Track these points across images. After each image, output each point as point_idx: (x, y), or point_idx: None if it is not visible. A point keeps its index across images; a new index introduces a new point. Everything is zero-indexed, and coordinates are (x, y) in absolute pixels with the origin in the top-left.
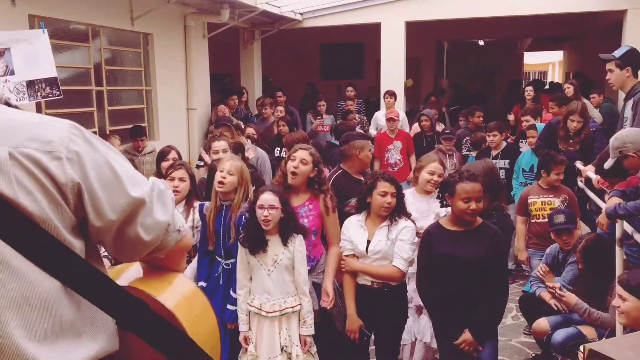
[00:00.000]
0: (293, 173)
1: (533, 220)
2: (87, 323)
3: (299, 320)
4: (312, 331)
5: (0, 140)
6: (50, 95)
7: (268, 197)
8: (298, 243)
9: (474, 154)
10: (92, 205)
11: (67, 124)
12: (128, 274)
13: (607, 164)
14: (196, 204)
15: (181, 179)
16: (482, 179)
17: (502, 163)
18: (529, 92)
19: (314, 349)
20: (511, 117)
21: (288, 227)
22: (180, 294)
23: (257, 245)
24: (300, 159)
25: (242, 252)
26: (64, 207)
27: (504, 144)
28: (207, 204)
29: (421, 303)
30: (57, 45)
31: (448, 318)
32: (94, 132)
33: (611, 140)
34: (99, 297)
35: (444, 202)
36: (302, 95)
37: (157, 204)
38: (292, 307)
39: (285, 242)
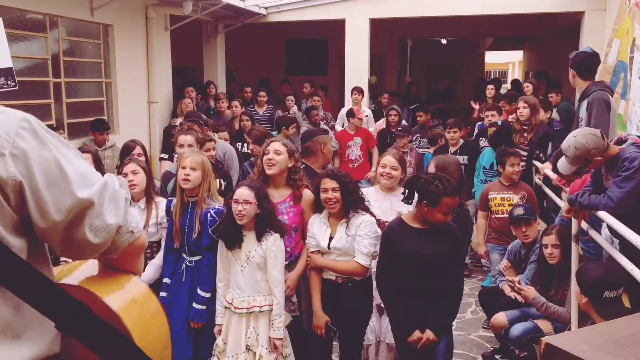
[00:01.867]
0: (270, 164)
1: (493, 216)
2: (29, 325)
3: (270, 321)
4: (280, 334)
5: None
6: (5, 87)
7: (243, 192)
8: (271, 242)
9: (431, 150)
10: (35, 204)
11: (19, 116)
12: (81, 272)
13: (567, 171)
14: (158, 199)
15: (133, 172)
16: (457, 175)
17: (461, 159)
18: (490, 90)
19: (287, 351)
20: (476, 106)
21: (264, 223)
22: (130, 296)
23: (233, 240)
24: (274, 150)
25: (221, 245)
26: (4, 204)
27: (462, 140)
28: (174, 200)
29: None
30: (12, 35)
31: (408, 315)
32: (51, 125)
33: (569, 149)
34: (35, 298)
35: (411, 201)
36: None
37: (108, 206)
38: (260, 307)
39: (259, 239)
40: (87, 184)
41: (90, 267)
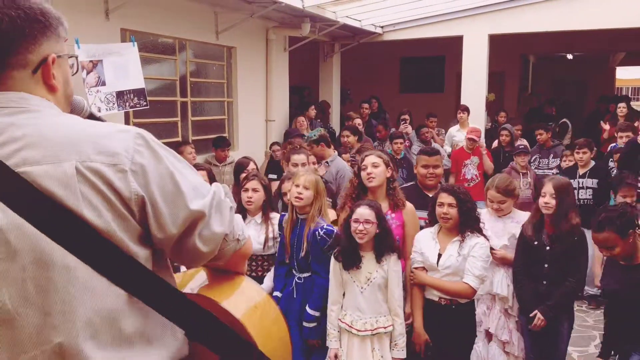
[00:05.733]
0: (370, 178)
1: None
2: (158, 330)
3: (391, 342)
4: (403, 355)
5: (69, 154)
6: (137, 106)
7: (364, 212)
8: (393, 262)
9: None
10: (154, 217)
11: (133, 133)
12: (197, 279)
13: None
14: (273, 214)
15: (254, 190)
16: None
17: (590, 182)
18: (622, 109)
19: None
20: (606, 127)
21: (383, 244)
22: (251, 303)
23: (351, 261)
24: (371, 164)
25: (335, 267)
26: (129, 219)
27: (592, 162)
28: (287, 215)
29: (490, 328)
30: (145, 58)
31: None
32: (177, 142)
33: None
34: (163, 306)
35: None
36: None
37: (216, 215)
38: (385, 328)
39: (379, 260)
40: (199, 195)
41: (201, 276)
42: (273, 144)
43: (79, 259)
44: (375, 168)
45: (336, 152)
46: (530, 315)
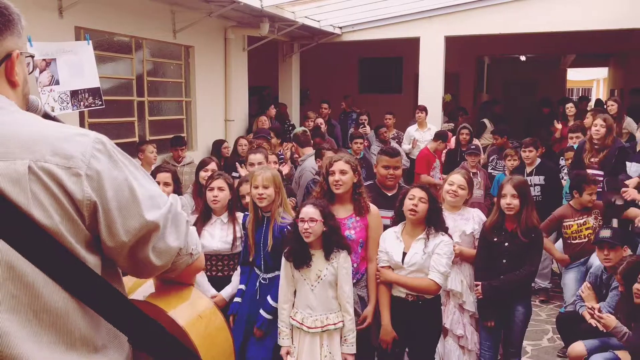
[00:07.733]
0: (337, 186)
1: (569, 241)
2: (106, 339)
3: (341, 338)
4: (353, 350)
5: (24, 152)
6: (92, 105)
7: (308, 210)
8: (342, 259)
9: (507, 171)
10: (106, 225)
11: (92, 138)
12: (146, 286)
13: None
14: (238, 214)
15: (220, 189)
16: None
17: (537, 179)
18: (570, 109)
19: None
20: (559, 126)
21: (331, 242)
22: (196, 311)
23: (301, 260)
24: (339, 170)
25: (286, 265)
26: (79, 223)
27: (539, 160)
28: (249, 215)
29: (446, 323)
30: (101, 57)
31: None
32: (134, 142)
33: None
34: (111, 313)
35: None
36: (340, 109)
37: (171, 228)
38: (334, 324)
39: (328, 258)
40: (155, 206)
41: (150, 283)
42: (222, 141)
43: (24, 257)
44: (343, 175)
45: (310, 152)
46: (476, 287)
